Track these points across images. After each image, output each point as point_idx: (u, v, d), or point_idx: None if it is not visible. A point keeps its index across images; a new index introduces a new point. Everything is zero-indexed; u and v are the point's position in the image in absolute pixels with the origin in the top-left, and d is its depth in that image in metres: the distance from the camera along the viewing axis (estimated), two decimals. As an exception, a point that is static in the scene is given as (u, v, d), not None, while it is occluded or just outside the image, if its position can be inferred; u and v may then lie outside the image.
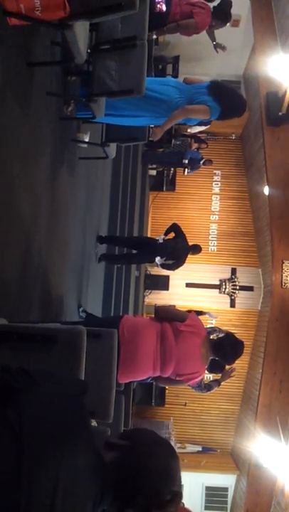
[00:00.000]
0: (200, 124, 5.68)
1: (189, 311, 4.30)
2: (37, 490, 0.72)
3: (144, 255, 4.78)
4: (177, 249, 4.55)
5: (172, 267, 4.80)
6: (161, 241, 4.59)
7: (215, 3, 4.70)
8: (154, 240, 4.75)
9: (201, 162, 7.37)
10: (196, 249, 4.86)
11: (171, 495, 0.85)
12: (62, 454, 0.77)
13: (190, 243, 4.74)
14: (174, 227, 4.67)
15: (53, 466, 0.75)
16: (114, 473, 0.83)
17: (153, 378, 2.36)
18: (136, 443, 0.90)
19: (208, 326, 8.16)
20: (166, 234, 4.74)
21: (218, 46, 5.40)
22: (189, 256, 4.83)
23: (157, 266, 4.89)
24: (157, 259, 4.54)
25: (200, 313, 4.38)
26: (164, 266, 4.78)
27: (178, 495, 0.87)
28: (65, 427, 0.80)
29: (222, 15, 4.65)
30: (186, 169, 7.47)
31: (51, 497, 0.74)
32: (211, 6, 4.66)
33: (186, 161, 7.17)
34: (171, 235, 4.71)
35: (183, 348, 2.23)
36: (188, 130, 7.07)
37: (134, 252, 4.81)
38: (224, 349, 2.34)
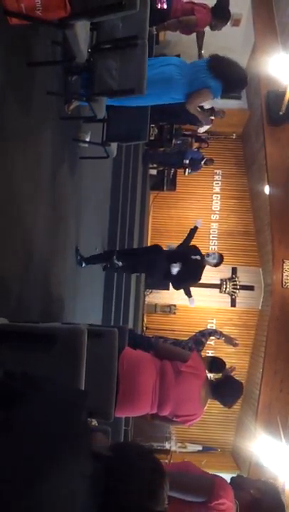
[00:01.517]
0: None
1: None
2: (38, 499, 0.72)
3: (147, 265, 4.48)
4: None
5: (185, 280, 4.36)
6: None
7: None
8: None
9: (203, 162, 7.36)
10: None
11: (150, 510, 0.84)
12: (62, 462, 0.76)
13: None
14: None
15: (53, 475, 0.74)
16: (98, 484, 0.83)
17: (151, 415, 2.32)
18: (118, 455, 0.89)
19: (209, 327, 8.05)
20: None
21: (200, 56, 5.41)
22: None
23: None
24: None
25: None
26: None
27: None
28: (66, 436, 0.80)
29: (221, 12, 4.68)
30: (187, 169, 7.46)
31: (52, 506, 0.73)
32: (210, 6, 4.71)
33: (187, 162, 7.17)
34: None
35: (182, 389, 2.18)
36: (199, 129, 7.10)
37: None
38: (223, 392, 2.31)
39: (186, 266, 4.02)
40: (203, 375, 2.27)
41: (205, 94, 2.88)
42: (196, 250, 4.18)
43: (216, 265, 4.24)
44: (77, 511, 0.77)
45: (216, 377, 2.86)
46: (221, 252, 4.51)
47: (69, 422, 0.81)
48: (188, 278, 4.15)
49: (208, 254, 4.21)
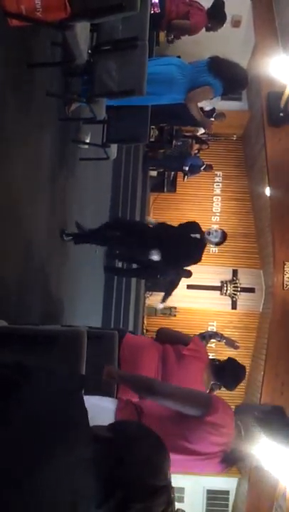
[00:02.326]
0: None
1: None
2: (38, 490, 0.71)
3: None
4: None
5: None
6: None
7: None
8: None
9: (202, 168, 7.37)
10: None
11: (153, 489, 0.83)
12: (62, 451, 0.76)
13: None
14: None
15: (53, 464, 0.74)
16: (99, 470, 0.82)
17: None
18: (118, 435, 0.88)
19: (210, 329, 8.01)
20: None
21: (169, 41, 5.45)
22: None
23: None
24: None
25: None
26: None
27: (161, 489, 0.84)
28: (65, 424, 0.79)
29: (217, 15, 4.69)
30: (186, 176, 7.48)
31: (53, 496, 0.73)
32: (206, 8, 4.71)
33: (186, 168, 7.18)
34: None
35: (185, 372, 2.18)
36: (197, 130, 7.11)
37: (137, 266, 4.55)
38: (226, 375, 2.31)
39: (184, 245, 3.69)
40: (205, 358, 2.27)
41: (206, 91, 2.90)
42: (196, 228, 3.82)
43: (218, 244, 3.81)
44: (78, 503, 0.76)
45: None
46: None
47: (67, 416, 0.80)
48: (187, 258, 3.83)
49: (208, 232, 3.78)
